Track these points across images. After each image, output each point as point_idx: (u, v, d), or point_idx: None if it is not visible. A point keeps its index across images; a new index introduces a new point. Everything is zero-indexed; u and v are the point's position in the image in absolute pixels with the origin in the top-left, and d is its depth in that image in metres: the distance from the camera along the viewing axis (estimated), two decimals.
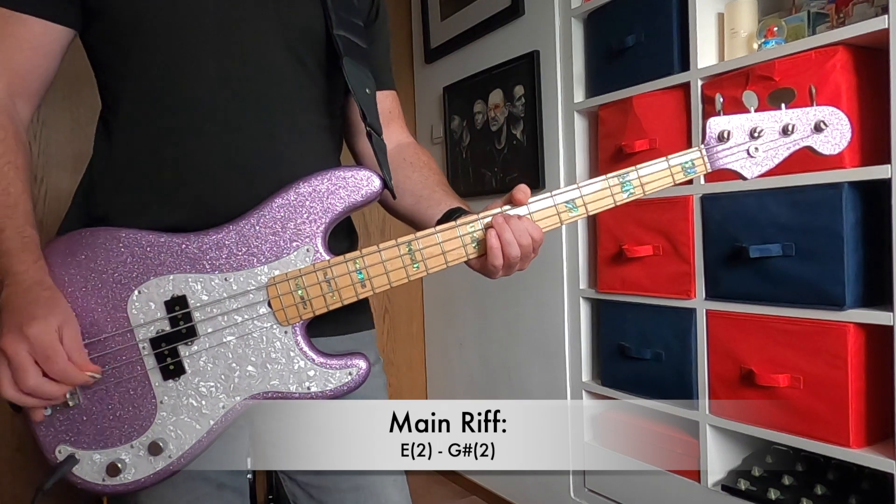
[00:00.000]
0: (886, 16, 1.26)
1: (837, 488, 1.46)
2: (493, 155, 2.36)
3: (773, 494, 1.49)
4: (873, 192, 1.34)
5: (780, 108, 0.82)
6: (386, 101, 0.98)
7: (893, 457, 1.30)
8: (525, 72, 2.17)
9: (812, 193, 1.39)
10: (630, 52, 1.79)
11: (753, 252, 1.47)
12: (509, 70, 2.25)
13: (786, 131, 0.82)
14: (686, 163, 0.82)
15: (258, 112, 0.83)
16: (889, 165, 1.27)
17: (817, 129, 0.82)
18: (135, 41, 0.80)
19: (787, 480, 1.52)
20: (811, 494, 1.46)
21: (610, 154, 1.86)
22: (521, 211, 0.80)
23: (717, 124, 0.82)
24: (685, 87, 1.66)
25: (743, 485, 1.55)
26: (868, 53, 1.37)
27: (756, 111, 0.82)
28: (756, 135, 0.82)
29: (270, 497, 2.31)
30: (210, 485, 0.87)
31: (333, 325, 0.87)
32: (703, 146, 0.83)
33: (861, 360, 1.36)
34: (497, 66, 2.30)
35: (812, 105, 0.82)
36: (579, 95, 2.01)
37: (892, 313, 1.28)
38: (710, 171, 0.83)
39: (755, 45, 1.56)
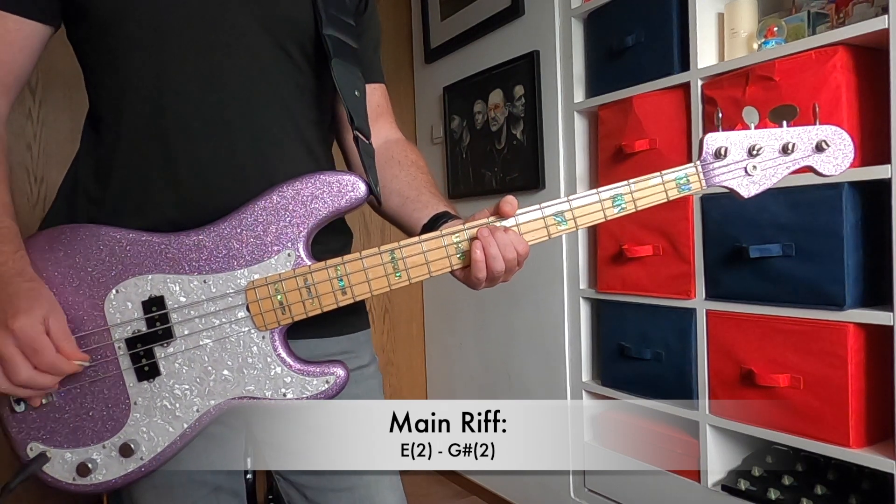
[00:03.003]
0: (886, 16, 1.26)
1: (837, 488, 1.46)
2: (493, 155, 2.36)
3: (773, 494, 1.49)
4: (873, 192, 1.34)
5: (781, 126, 0.80)
6: (374, 95, 0.96)
7: (893, 457, 1.30)
8: (525, 72, 2.17)
9: (812, 193, 1.39)
10: (630, 52, 1.79)
11: (753, 252, 1.47)
12: (509, 70, 2.25)
13: (786, 150, 0.80)
14: (681, 178, 0.80)
15: (246, 107, 0.82)
16: (889, 165, 1.27)
17: (819, 148, 0.80)
18: (118, 39, 0.80)
19: (787, 480, 1.52)
20: (811, 494, 1.46)
21: (610, 154, 1.86)
22: (508, 223, 0.78)
23: (714, 140, 0.80)
24: (685, 87, 1.66)
25: (743, 485, 1.55)
26: (868, 53, 1.37)
27: (756, 128, 0.80)
28: (755, 153, 0.80)
29: (270, 497, 2.31)
30: (206, 488, 0.86)
31: (327, 326, 0.86)
32: (699, 162, 0.81)
33: (861, 360, 1.36)
34: (497, 66, 2.30)
35: (815, 123, 0.80)
36: (579, 95, 2.01)
37: (892, 313, 1.28)
38: (705, 188, 0.81)
39: (755, 45, 1.56)
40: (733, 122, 1.60)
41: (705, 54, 1.63)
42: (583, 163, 2.03)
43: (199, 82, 0.80)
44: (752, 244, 1.48)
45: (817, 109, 0.81)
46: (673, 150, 1.68)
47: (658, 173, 0.80)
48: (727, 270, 1.56)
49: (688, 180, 0.80)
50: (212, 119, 0.81)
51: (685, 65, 1.66)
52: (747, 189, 0.81)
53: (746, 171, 0.80)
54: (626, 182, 0.79)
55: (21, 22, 0.80)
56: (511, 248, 0.76)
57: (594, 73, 1.95)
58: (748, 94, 1.48)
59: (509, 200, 0.77)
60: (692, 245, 1.65)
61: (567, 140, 2.04)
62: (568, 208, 0.78)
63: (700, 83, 1.61)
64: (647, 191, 0.79)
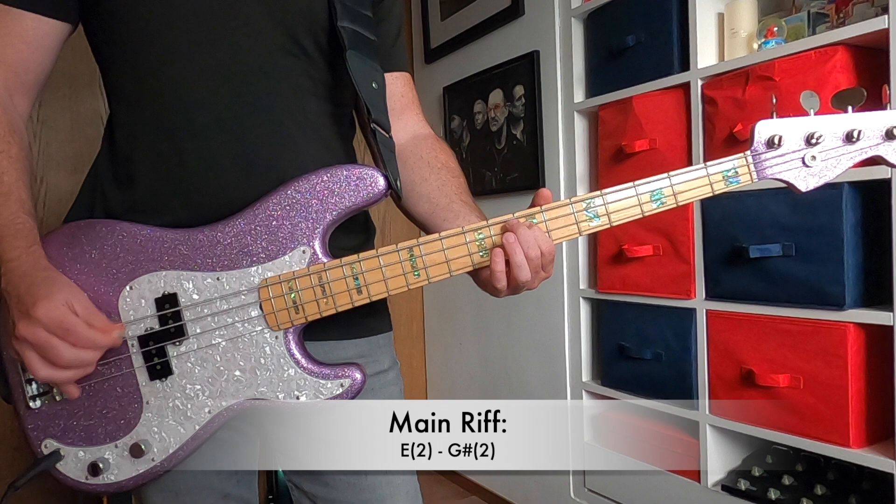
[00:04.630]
0: (886, 16, 1.26)
1: (837, 488, 1.46)
2: (493, 155, 2.36)
3: (773, 494, 1.49)
4: (873, 192, 1.34)
5: (845, 112, 0.73)
6: (397, 85, 0.92)
7: (893, 457, 1.30)
8: (525, 72, 2.17)
9: (812, 193, 1.36)
10: (630, 52, 1.79)
11: (753, 252, 1.47)
12: (509, 70, 2.24)
13: (850, 138, 0.72)
14: (728, 171, 0.72)
15: (258, 101, 0.80)
16: None
17: (889, 136, 0.72)
18: (128, 33, 0.79)
19: (787, 480, 1.52)
20: (811, 494, 1.46)
21: (610, 154, 1.86)
22: (535, 217, 0.74)
23: (765, 128, 0.72)
24: (685, 87, 1.66)
25: (743, 485, 1.55)
26: (868, 53, 1.37)
27: (816, 114, 0.72)
28: (814, 141, 0.72)
29: (270, 497, 2.31)
30: (214, 494, 0.86)
31: (345, 328, 0.84)
32: (748, 153, 0.73)
33: (861, 360, 1.36)
34: (497, 66, 2.30)
35: (886, 108, 0.73)
36: (579, 95, 2.01)
37: (892, 313, 1.28)
38: (756, 180, 0.74)
39: (755, 45, 1.56)
40: (733, 122, 1.60)
41: (705, 54, 1.63)
42: (583, 163, 2.03)
43: (208, 76, 0.79)
44: (752, 244, 1.48)
45: (889, 92, 0.75)
46: (673, 150, 1.68)
47: (703, 165, 0.73)
48: (727, 270, 1.56)
49: (736, 172, 0.73)
50: (222, 113, 0.79)
51: (685, 65, 1.66)
52: (805, 182, 0.73)
53: (804, 162, 0.73)
54: (665, 175, 0.73)
55: (39, 20, 0.80)
56: (535, 245, 0.72)
57: (594, 73, 1.95)
58: (748, 94, 1.48)
59: (544, 193, 0.75)
60: (692, 245, 1.64)
61: (567, 140, 2.04)
62: (601, 203, 0.74)
63: (700, 83, 1.61)
64: (690, 184, 0.73)
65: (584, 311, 2.04)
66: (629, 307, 1.83)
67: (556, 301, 2.11)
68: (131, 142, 0.82)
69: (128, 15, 0.78)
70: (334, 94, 0.87)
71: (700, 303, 1.64)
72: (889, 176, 1.27)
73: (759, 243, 1.47)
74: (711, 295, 1.62)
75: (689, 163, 1.64)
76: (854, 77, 1.36)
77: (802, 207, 1.40)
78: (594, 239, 1.98)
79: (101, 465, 0.76)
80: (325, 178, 0.75)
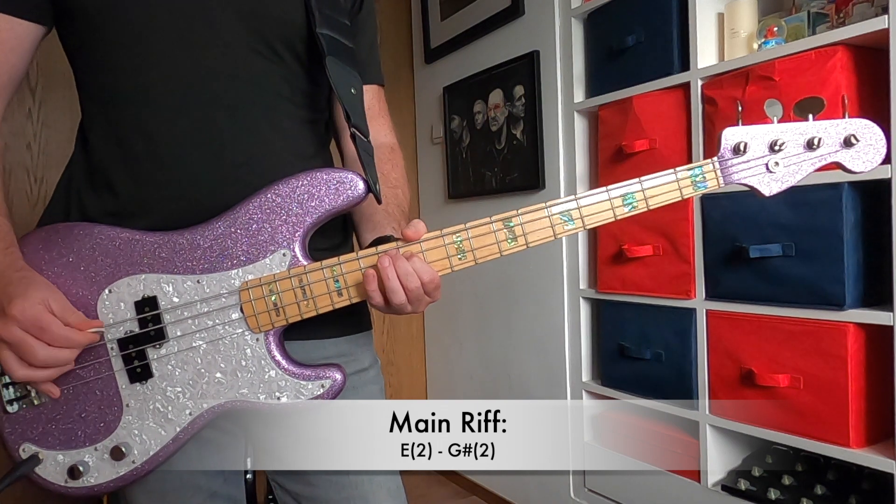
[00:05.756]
0: (886, 16, 1.26)
1: (837, 488, 1.46)
2: (493, 155, 2.36)
3: (773, 494, 1.49)
4: (873, 192, 1.34)
5: (806, 120, 0.76)
6: (367, 96, 0.93)
7: (893, 457, 1.30)
8: (525, 72, 2.17)
9: (812, 193, 1.39)
10: (630, 52, 1.79)
11: (753, 252, 1.47)
12: (509, 70, 2.25)
13: (811, 145, 0.75)
14: (696, 176, 0.75)
15: (234, 108, 0.81)
16: (889, 165, 1.27)
17: (847, 143, 0.75)
18: (103, 37, 0.79)
19: (787, 480, 1.52)
20: (811, 494, 1.46)
21: (610, 154, 1.86)
22: (511, 220, 0.75)
23: (732, 134, 0.75)
24: (685, 87, 1.66)
25: (743, 485, 1.55)
26: (868, 53, 1.37)
27: (780, 122, 0.76)
28: (777, 148, 0.75)
29: (270, 497, 2.31)
30: (202, 494, 0.86)
31: (325, 328, 0.84)
32: (716, 159, 0.76)
33: (861, 360, 1.36)
34: (497, 66, 2.30)
35: (844, 117, 0.76)
36: (579, 95, 2.01)
37: (892, 313, 1.28)
38: (723, 185, 0.76)
39: (755, 45, 1.56)
40: (733, 122, 1.60)
41: (705, 54, 1.63)
42: (583, 163, 2.03)
43: (185, 82, 0.79)
44: (752, 244, 1.48)
45: (846, 102, 0.76)
46: (673, 150, 1.68)
47: (672, 170, 0.76)
48: (727, 270, 1.56)
49: (704, 177, 0.76)
50: (199, 119, 0.80)
51: (685, 65, 1.66)
52: (769, 187, 0.76)
53: (768, 168, 0.76)
54: (636, 180, 0.75)
55: (13, 22, 0.79)
56: (413, 277, 0.72)
57: (594, 73, 1.95)
58: (748, 93, 1.48)
59: (414, 224, 0.74)
60: (692, 245, 1.65)
61: (567, 140, 2.04)
62: (575, 207, 0.75)
63: (700, 83, 1.61)
64: (660, 188, 0.75)
65: (584, 311, 2.04)
66: (629, 307, 1.83)
67: (555, 301, 2.11)
68: (107, 146, 0.82)
69: (105, 19, 0.78)
70: (312, 100, 0.88)
71: (700, 303, 1.64)
72: (889, 176, 1.27)
73: (759, 243, 1.47)
74: (711, 295, 1.62)
75: (689, 162, 1.64)
76: (854, 77, 1.36)
77: (802, 207, 1.40)
78: (594, 239, 1.98)
79: (80, 469, 0.75)
80: (305, 181, 0.76)
